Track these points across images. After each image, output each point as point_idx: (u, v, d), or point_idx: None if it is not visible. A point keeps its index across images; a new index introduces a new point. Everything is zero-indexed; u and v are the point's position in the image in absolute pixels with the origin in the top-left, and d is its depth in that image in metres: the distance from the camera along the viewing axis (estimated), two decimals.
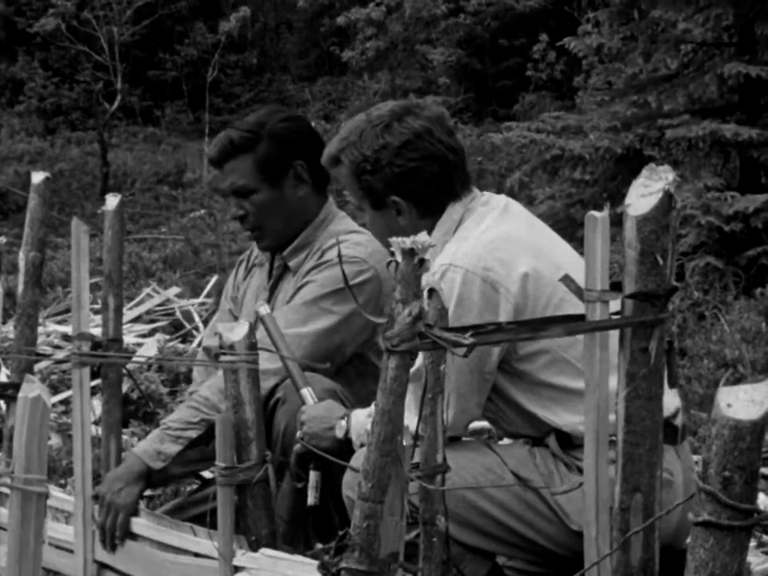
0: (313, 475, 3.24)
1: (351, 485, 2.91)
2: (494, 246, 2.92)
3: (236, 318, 3.79)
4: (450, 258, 2.89)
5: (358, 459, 2.85)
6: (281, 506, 3.36)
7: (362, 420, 3.05)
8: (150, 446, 3.40)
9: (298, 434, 3.19)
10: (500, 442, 3.24)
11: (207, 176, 17.77)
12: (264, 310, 3.32)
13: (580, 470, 2.88)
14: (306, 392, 3.28)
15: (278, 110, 3.81)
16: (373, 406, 3.00)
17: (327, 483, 3.19)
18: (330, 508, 3.24)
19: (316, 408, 3.19)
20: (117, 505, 3.33)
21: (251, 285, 3.87)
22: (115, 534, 3.31)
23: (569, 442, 2.93)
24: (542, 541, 2.94)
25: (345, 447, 3.05)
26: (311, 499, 3.24)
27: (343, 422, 3.09)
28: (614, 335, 2.22)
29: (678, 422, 2.95)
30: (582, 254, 2.34)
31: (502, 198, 3.12)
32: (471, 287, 2.86)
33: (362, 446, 3.00)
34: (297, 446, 3.22)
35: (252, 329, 2.92)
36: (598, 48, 10.09)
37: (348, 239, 3.62)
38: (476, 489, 2.89)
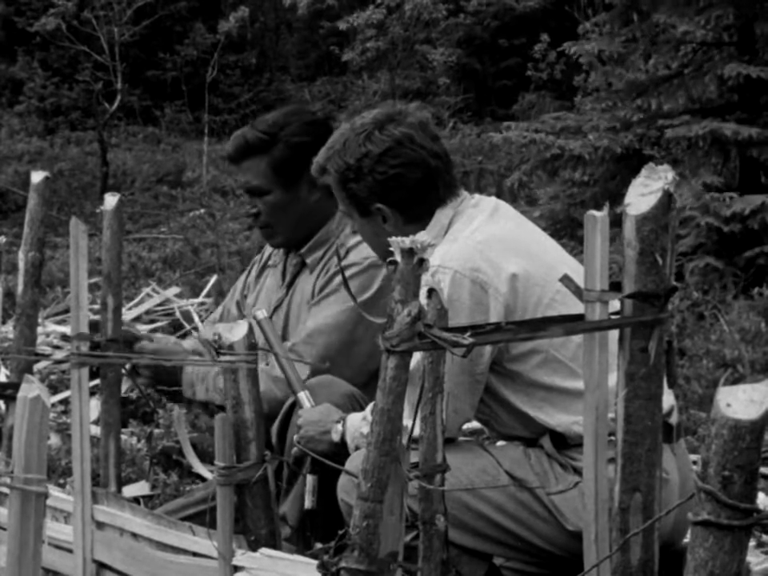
0: (310, 479, 3.26)
1: (346, 488, 2.92)
2: (483, 246, 2.93)
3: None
4: (439, 259, 2.90)
5: (352, 462, 2.86)
6: (290, 510, 3.37)
7: (356, 423, 3.06)
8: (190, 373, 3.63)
9: (295, 437, 3.20)
10: (496, 444, 3.24)
11: (207, 175, 17.76)
12: (261, 313, 3.34)
13: (575, 470, 2.89)
14: (303, 395, 3.30)
15: (301, 113, 3.81)
16: (367, 410, 3.02)
17: (328, 486, 3.19)
18: (331, 511, 3.24)
19: (312, 412, 3.21)
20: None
21: (265, 285, 3.90)
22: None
23: (563, 443, 2.94)
24: (538, 541, 2.95)
25: (341, 451, 3.06)
26: (308, 503, 3.26)
27: (339, 426, 3.10)
28: (613, 335, 2.22)
29: (673, 420, 2.95)
30: (581, 253, 2.33)
31: (492, 200, 3.14)
32: (460, 288, 2.87)
33: (356, 448, 3.01)
34: (294, 449, 3.23)
35: (251, 329, 2.92)
36: (598, 54, 10.07)
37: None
38: (471, 490, 2.90)
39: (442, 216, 3.07)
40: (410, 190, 3.05)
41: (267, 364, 3.51)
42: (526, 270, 2.92)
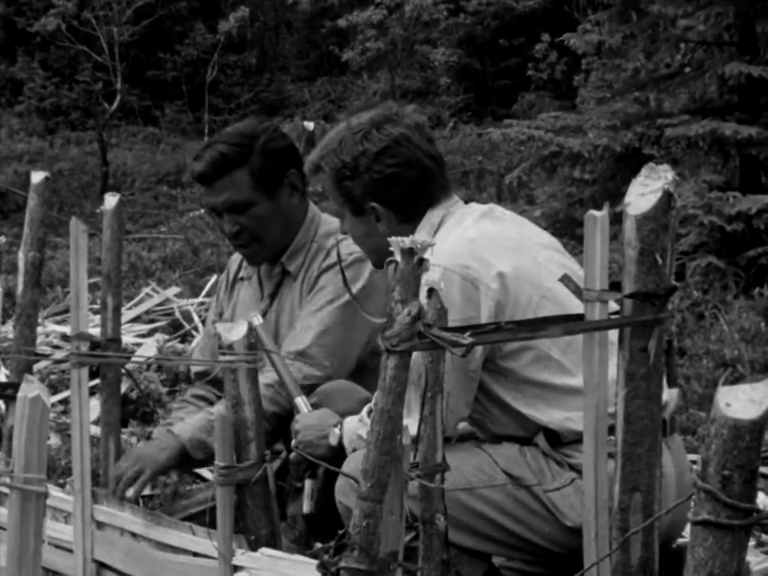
0: (308, 483, 3.25)
1: (343, 490, 2.93)
2: (473, 244, 2.95)
3: None
4: (430, 257, 2.92)
5: (349, 465, 2.87)
6: (298, 513, 3.36)
7: (353, 426, 3.06)
8: (194, 435, 3.37)
9: (293, 442, 3.20)
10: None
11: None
12: (257, 320, 3.31)
13: (571, 467, 2.90)
14: (300, 401, 3.29)
15: (262, 121, 3.81)
16: (364, 412, 3.03)
17: (328, 491, 3.18)
18: (332, 515, 3.23)
19: (310, 417, 3.22)
20: (146, 458, 3.30)
21: (240, 299, 3.85)
22: (131, 484, 3.26)
23: (557, 440, 2.95)
24: (537, 539, 2.95)
25: (339, 455, 3.06)
26: (306, 507, 3.26)
27: (337, 430, 3.10)
28: (612, 332, 2.22)
29: (667, 414, 2.96)
30: (581, 253, 2.34)
31: (486, 205, 3.17)
32: (451, 285, 2.88)
33: (353, 451, 3.01)
34: (292, 455, 3.24)
35: (251, 329, 2.92)
36: (598, 45, 10.07)
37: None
38: (469, 490, 2.90)
39: (432, 216, 3.09)
40: (405, 189, 3.07)
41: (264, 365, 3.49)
42: (516, 267, 2.94)
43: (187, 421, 3.48)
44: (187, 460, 3.40)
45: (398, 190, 3.08)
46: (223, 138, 3.71)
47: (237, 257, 3.94)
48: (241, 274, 3.88)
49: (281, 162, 3.66)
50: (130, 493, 3.28)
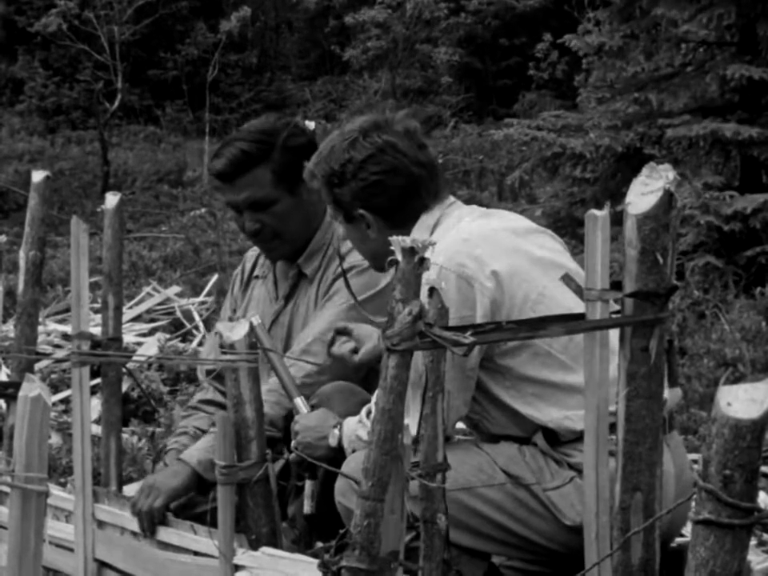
0: (308, 484, 3.25)
1: (343, 491, 2.93)
2: (468, 243, 2.96)
3: None
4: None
5: (348, 465, 2.87)
6: (298, 513, 3.36)
7: (352, 427, 3.06)
8: (204, 456, 3.28)
9: (292, 443, 3.20)
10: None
11: (208, 175, 17.77)
12: (255, 320, 3.30)
13: (570, 466, 2.91)
14: (299, 401, 3.28)
15: (280, 118, 3.78)
16: (363, 412, 3.03)
17: (329, 491, 3.17)
18: (332, 516, 3.22)
19: (309, 418, 3.21)
20: (159, 485, 3.23)
21: (253, 296, 3.83)
22: (153, 517, 3.20)
23: (556, 439, 2.95)
24: (537, 538, 2.95)
25: (339, 455, 3.06)
26: (307, 508, 3.25)
27: (336, 431, 3.10)
28: (613, 334, 2.22)
29: (666, 411, 2.96)
30: (582, 252, 2.34)
31: (485, 208, 3.18)
32: (447, 284, 2.89)
33: (353, 451, 3.01)
34: (291, 455, 3.23)
35: (252, 328, 2.92)
36: (599, 47, 10.06)
37: None
38: (468, 489, 2.91)
39: (428, 218, 3.10)
40: (392, 197, 3.08)
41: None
42: (510, 265, 2.94)
43: (193, 447, 3.43)
44: (202, 483, 3.35)
45: (384, 197, 3.08)
46: (243, 135, 3.67)
47: (252, 253, 3.92)
48: (256, 272, 3.87)
49: (302, 158, 3.63)
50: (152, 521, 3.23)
